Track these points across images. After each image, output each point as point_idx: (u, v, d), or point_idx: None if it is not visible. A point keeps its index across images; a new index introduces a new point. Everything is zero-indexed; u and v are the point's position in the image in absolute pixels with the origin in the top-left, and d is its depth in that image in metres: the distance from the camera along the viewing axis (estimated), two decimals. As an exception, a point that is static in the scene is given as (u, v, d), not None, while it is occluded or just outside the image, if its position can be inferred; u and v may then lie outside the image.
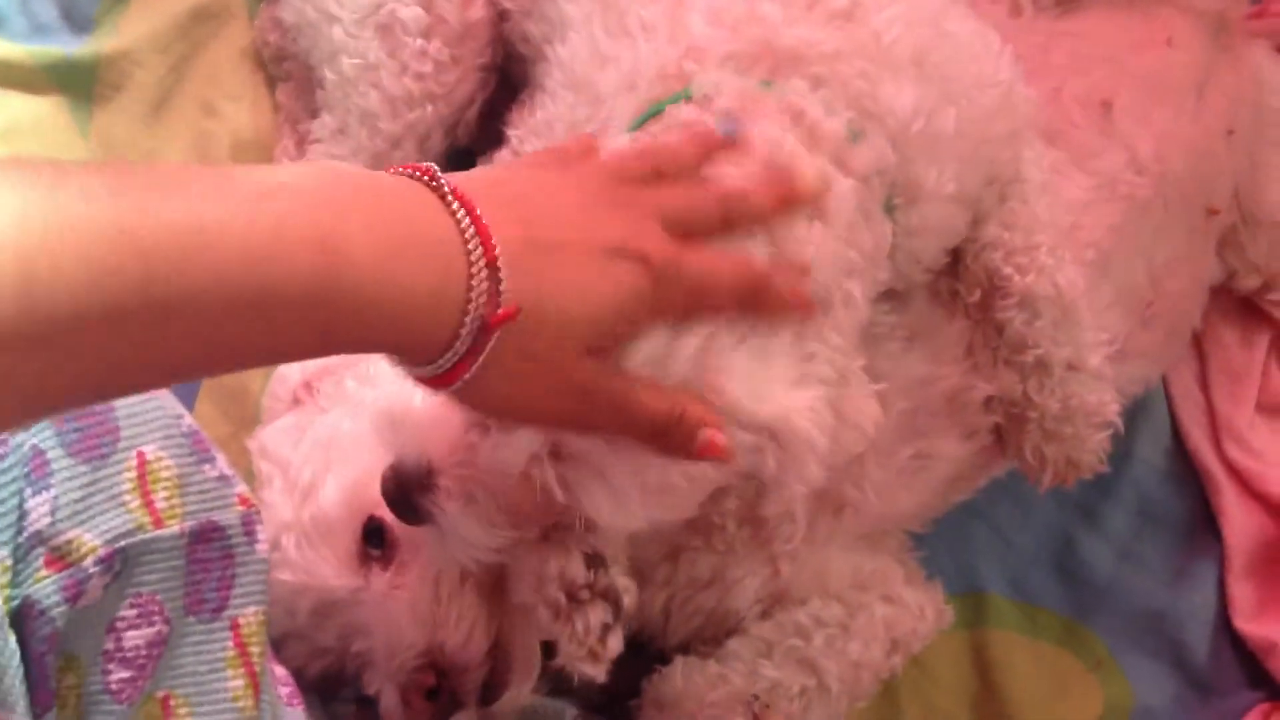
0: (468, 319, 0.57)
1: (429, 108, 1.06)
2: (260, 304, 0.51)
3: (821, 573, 0.92)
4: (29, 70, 1.18)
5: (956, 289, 0.92)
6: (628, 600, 0.79)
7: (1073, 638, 1.17)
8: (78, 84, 1.19)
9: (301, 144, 1.22)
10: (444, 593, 0.82)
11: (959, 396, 0.94)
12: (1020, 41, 1.01)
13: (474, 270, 0.57)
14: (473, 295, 0.57)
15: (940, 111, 0.80)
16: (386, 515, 0.81)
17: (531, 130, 0.97)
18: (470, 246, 0.57)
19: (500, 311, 0.58)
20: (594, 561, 0.78)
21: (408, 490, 0.72)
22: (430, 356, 0.58)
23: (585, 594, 0.77)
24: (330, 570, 0.83)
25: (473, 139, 1.12)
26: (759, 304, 0.66)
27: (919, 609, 0.96)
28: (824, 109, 0.75)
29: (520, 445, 0.66)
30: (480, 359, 0.58)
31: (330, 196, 0.54)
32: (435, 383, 0.60)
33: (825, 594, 0.92)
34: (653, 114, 0.76)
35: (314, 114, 1.22)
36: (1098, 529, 1.20)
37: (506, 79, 1.11)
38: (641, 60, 0.81)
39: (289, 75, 1.26)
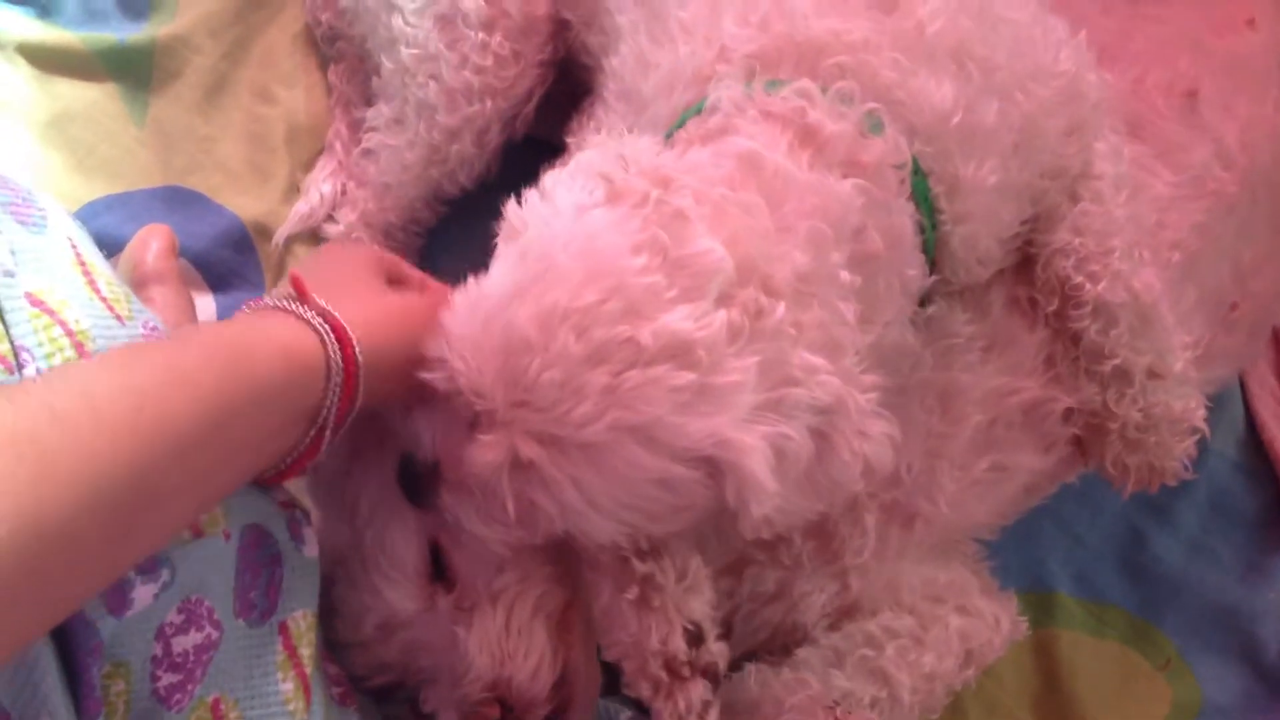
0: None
1: (488, 102, 1.04)
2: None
3: (893, 585, 0.90)
4: (82, 57, 1.17)
5: (1035, 298, 0.89)
6: (722, 665, 0.78)
7: (1140, 636, 1.15)
8: (133, 71, 1.18)
9: (354, 128, 1.21)
10: (515, 625, 0.81)
11: (1038, 409, 0.91)
12: (1097, 26, 0.97)
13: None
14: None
15: (981, 103, 0.78)
16: (448, 541, 0.81)
17: (588, 139, 0.95)
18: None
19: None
20: (694, 636, 0.77)
21: (418, 477, 0.75)
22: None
23: (687, 670, 0.77)
24: (396, 593, 0.82)
25: (529, 132, 1.10)
26: None
27: (994, 620, 0.94)
28: (835, 104, 0.74)
29: (484, 453, 0.67)
30: None
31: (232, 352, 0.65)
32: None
33: (897, 606, 0.90)
34: (681, 123, 0.78)
35: (367, 97, 1.21)
36: (1168, 523, 1.18)
37: (566, 74, 1.09)
38: (679, 63, 0.81)
39: (341, 56, 1.24)
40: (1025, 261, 0.91)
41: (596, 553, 0.78)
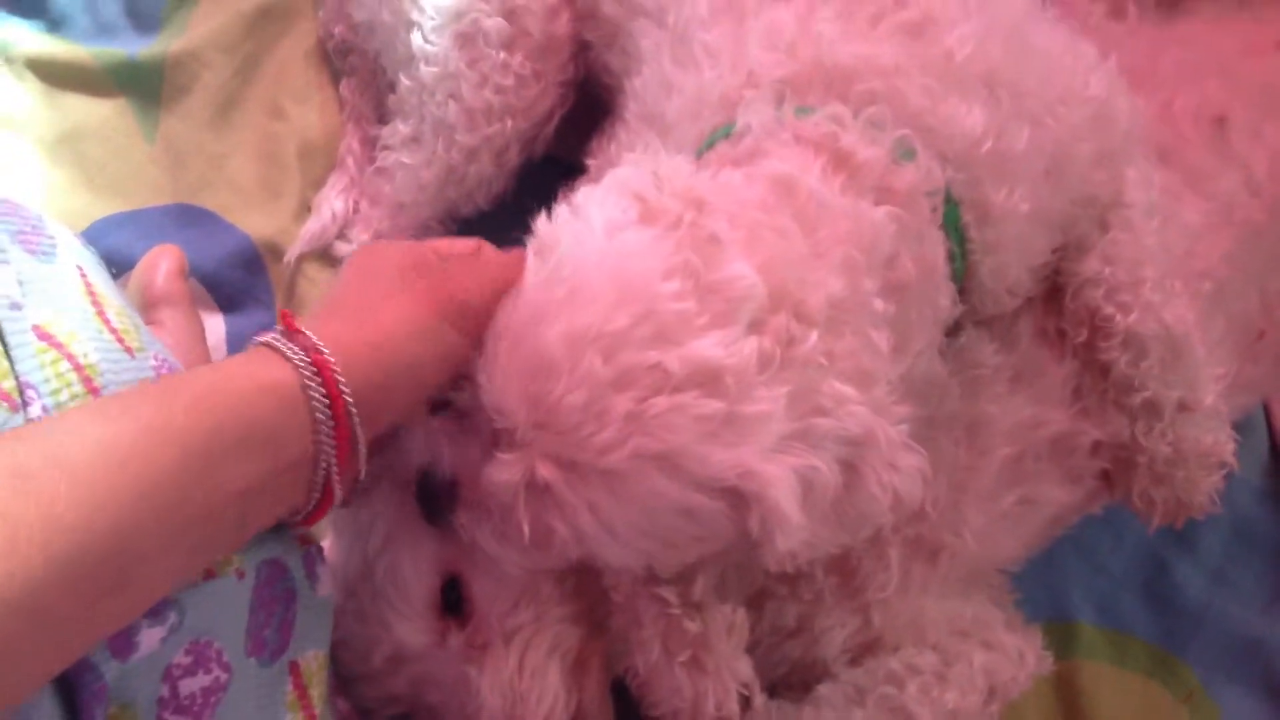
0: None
1: (508, 122, 1.03)
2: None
3: (916, 621, 0.88)
4: (93, 72, 1.16)
5: (1064, 328, 0.88)
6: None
7: (1163, 667, 1.13)
8: (143, 86, 1.17)
9: (366, 143, 1.20)
10: (528, 666, 0.79)
11: (1066, 441, 0.90)
12: (1126, 49, 0.96)
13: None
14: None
15: (1012, 130, 0.77)
16: (467, 572, 0.79)
17: (609, 160, 0.95)
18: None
19: None
20: (745, 699, 0.76)
21: (435, 496, 0.73)
22: None
23: None
24: (405, 627, 0.80)
25: (549, 152, 1.09)
26: None
27: (1019, 655, 0.92)
28: (867, 130, 0.73)
29: (499, 478, 0.66)
30: None
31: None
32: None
33: (920, 642, 0.89)
34: (709, 145, 0.77)
35: (379, 113, 1.20)
36: (1190, 552, 1.16)
37: (585, 94, 1.07)
38: (705, 87, 0.81)
39: (354, 70, 1.23)
40: (1054, 291, 0.89)
41: (639, 610, 0.76)
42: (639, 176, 0.70)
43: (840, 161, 0.73)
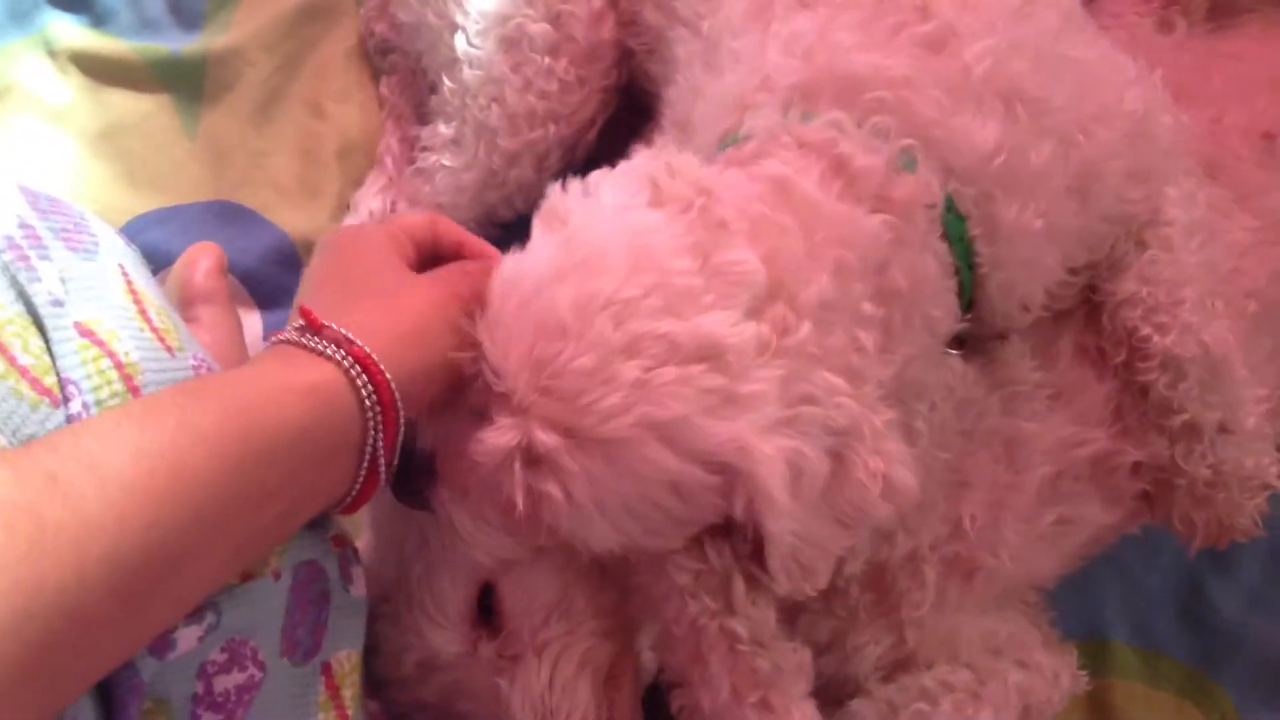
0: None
1: (550, 127, 1.03)
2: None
3: (951, 639, 0.87)
4: (135, 67, 1.16)
5: (1104, 347, 0.87)
6: None
7: (1197, 689, 1.12)
8: (186, 82, 1.17)
9: (405, 142, 1.20)
10: (559, 680, 0.79)
11: (1106, 461, 0.89)
12: (1174, 63, 0.95)
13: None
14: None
15: (1031, 146, 0.77)
16: (501, 582, 0.79)
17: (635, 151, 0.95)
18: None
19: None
20: None
21: (413, 473, 0.72)
22: None
23: None
24: (438, 635, 0.80)
25: (590, 158, 1.09)
26: None
27: (1054, 675, 0.91)
28: (870, 138, 0.74)
29: (494, 443, 0.66)
30: None
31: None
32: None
33: (954, 660, 0.88)
34: (721, 148, 0.78)
35: (419, 111, 1.20)
36: (1227, 572, 1.14)
37: (629, 99, 1.07)
38: (725, 91, 0.82)
39: (394, 69, 1.23)
40: (1095, 309, 0.88)
41: (705, 646, 0.74)
42: (652, 164, 0.72)
43: (839, 167, 0.73)
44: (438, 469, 0.72)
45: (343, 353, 0.66)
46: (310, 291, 0.74)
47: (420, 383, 0.70)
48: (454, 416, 0.71)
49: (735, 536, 0.72)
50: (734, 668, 0.73)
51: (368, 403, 0.66)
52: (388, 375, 0.67)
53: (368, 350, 0.67)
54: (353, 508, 0.70)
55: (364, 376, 0.66)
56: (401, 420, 0.68)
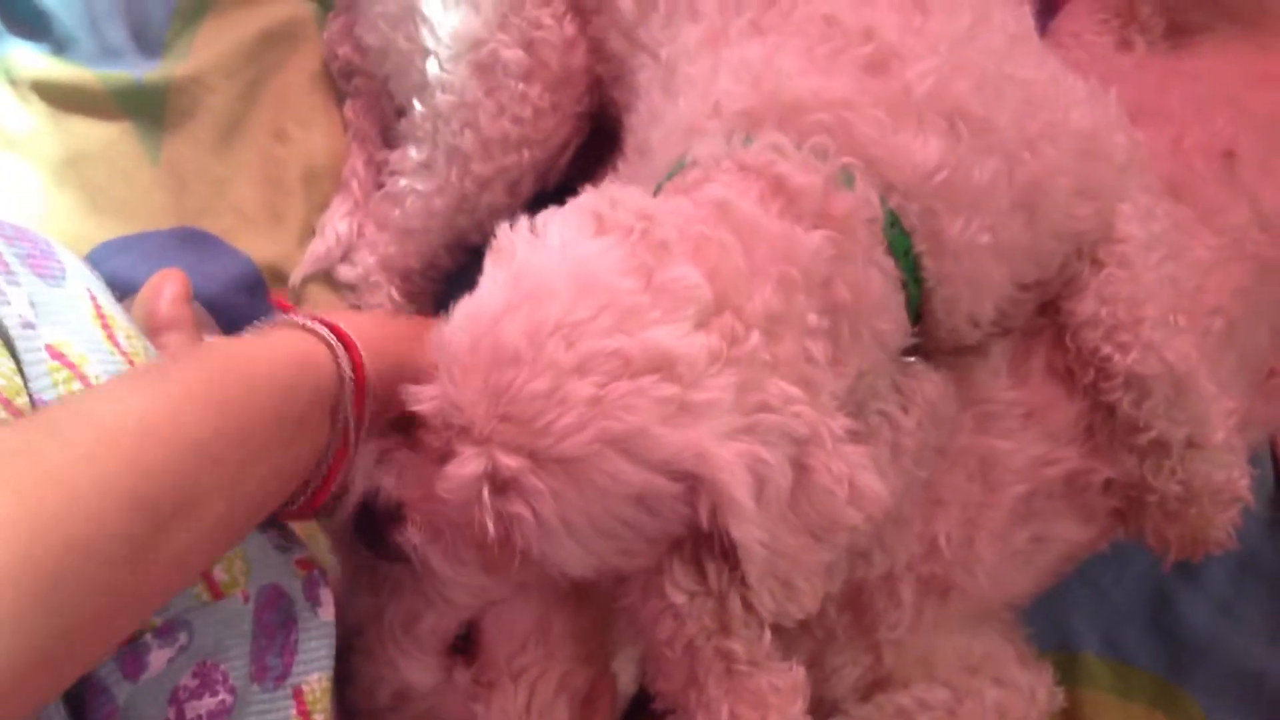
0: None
1: (524, 152, 1.03)
2: None
3: (927, 658, 0.88)
4: (97, 95, 1.15)
5: (1072, 366, 0.87)
6: None
7: (1167, 699, 1.13)
8: (148, 110, 1.16)
9: (371, 165, 1.19)
10: (536, 706, 0.79)
11: (1078, 479, 0.90)
12: (1133, 82, 0.96)
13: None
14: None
15: (974, 163, 0.78)
16: (483, 619, 0.79)
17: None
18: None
19: None
20: None
21: (379, 523, 0.74)
22: None
23: None
24: (411, 666, 0.80)
25: (563, 184, 1.09)
26: None
27: (1030, 691, 0.92)
28: (809, 158, 0.76)
29: (460, 473, 0.67)
30: None
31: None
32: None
33: (931, 678, 0.88)
34: (668, 177, 0.80)
35: (385, 135, 1.19)
36: (1196, 582, 1.15)
37: (602, 125, 1.07)
38: (679, 117, 0.84)
39: (358, 92, 1.22)
40: (1063, 329, 0.89)
41: (700, 667, 0.74)
42: (596, 198, 0.74)
43: (778, 188, 0.75)
44: (407, 515, 0.74)
45: (326, 330, 0.74)
46: None
47: (383, 377, 0.75)
48: (418, 464, 0.73)
49: (729, 557, 0.71)
50: (731, 689, 0.73)
51: (345, 375, 0.73)
52: (362, 351, 0.74)
53: (347, 330, 0.74)
54: (324, 488, 0.74)
55: (341, 346, 0.73)
56: (370, 392, 0.74)
